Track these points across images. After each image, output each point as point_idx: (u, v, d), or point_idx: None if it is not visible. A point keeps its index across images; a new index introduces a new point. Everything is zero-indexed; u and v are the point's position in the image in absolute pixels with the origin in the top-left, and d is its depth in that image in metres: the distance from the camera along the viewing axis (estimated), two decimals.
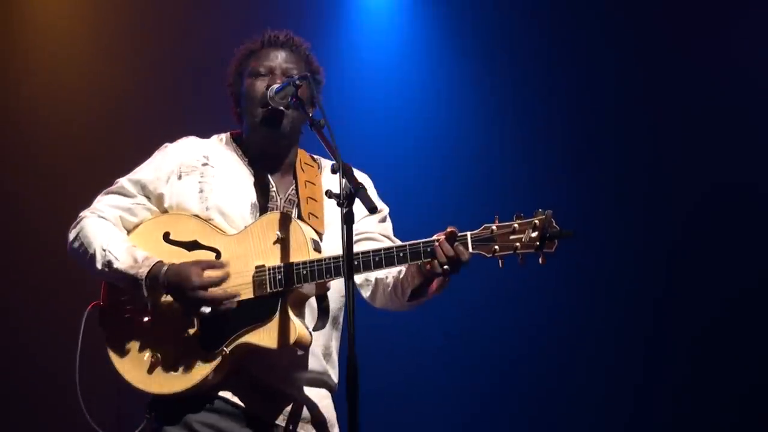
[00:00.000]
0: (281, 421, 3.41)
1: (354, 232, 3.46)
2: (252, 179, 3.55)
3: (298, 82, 3.42)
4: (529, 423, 6.06)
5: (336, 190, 3.10)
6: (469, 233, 3.27)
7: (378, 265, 3.30)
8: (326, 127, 3.24)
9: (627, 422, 6.01)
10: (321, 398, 3.51)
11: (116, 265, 3.36)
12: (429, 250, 3.26)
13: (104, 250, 3.38)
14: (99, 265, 3.38)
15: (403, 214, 3.94)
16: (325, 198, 3.32)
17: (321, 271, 3.29)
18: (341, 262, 3.21)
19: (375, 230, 3.65)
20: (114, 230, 3.46)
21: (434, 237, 3.27)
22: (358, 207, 3.12)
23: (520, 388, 6.05)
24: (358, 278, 3.62)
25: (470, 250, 3.25)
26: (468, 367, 6.10)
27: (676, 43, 6.19)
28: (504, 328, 6.07)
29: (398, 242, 3.46)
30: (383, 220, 3.71)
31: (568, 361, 6.05)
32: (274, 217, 3.39)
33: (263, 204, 3.51)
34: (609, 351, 6.04)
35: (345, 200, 3.07)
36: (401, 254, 3.29)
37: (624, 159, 6.20)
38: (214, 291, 3.29)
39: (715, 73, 6.13)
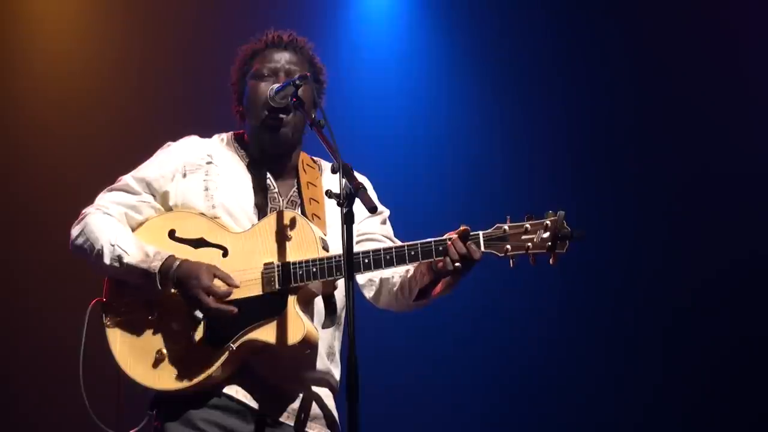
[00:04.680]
0: (285, 418, 3.41)
1: (356, 233, 3.52)
2: (254, 180, 3.56)
3: (298, 81, 3.43)
4: (530, 425, 6.09)
5: (336, 190, 3.11)
6: (481, 232, 3.30)
7: (389, 263, 3.31)
8: (326, 127, 3.26)
9: (637, 423, 6.04)
10: (325, 397, 3.51)
11: (127, 259, 3.36)
12: (441, 248, 3.28)
13: (113, 245, 3.38)
14: (107, 260, 3.38)
15: (405, 215, 3.95)
16: (326, 200, 3.34)
17: (331, 268, 3.30)
18: (352, 260, 3.17)
19: (377, 232, 3.67)
20: (120, 226, 3.46)
21: (446, 236, 3.30)
22: (358, 208, 3.13)
23: (522, 390, 6.06)
24: (362, 278, 3.64)
25: (482, 249, 3.28)
26: (470, 368, 6.11)
27: (681, 40, 6.20)
28: (507, 329, 6.07)
29: (399, 244, 3.46)
30: (384, 222, 3.73)
31: (570, 362, 6.06)
32: (282, 215, 3.39)
33: (265, 205, 3.52)
34: (616, 353, 6.07)
35: (345, 200, 3.08)
36: (413, 252, 3.31)
37: (630, 159, 6.21)
38: (213, 300, 3.28)
39: (720, 73, 6.15)
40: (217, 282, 3.32)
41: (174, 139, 3.67)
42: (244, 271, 3.35)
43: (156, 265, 3.33)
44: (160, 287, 3.33)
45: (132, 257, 3.37)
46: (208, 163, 3.57)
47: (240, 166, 3.60)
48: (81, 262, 3.51)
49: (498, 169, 6.24)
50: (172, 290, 3.35)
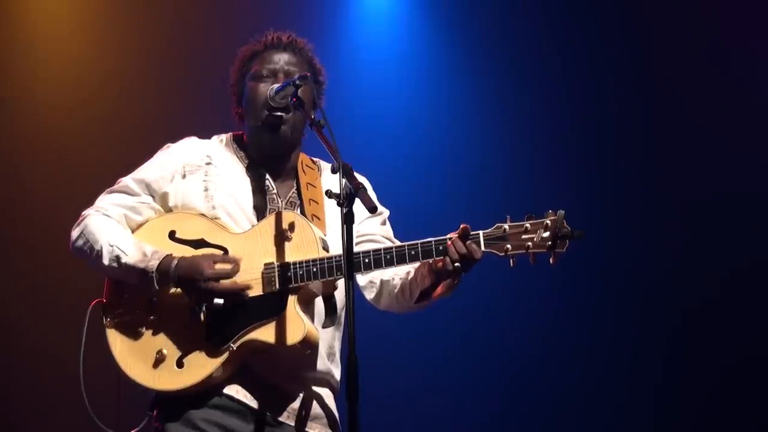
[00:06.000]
0: (286, 418, 3.42)
1: (356, 234, 3.52)
2: (252, 182, 3.56)
3: (298, 81, 3.43)
4: (530, 425, 6.09)
5: (336, 190, 3.12)
6: (481, 232, 3.30)
7: (389, 263, 3.32)
8: (326, 127, 3.26)
9: (638, 423, 6.04)
10: (325, 397, 3.52)
11: (125, 259, 3.36)
12: (441, 248, 3.29)
13: (111, 246, 3.39)
14: (106, 261, 3.39)
15: (405, 216, 3.96)
16: (326, 200, 3.35)
17: (331, 268, 3.31)
18: (352, 260, 3.17)
19: (377, 232, 3.67)
20: (119, 227, 3.47)
21: (447, 236, 3.31)
22: (358, 208, 3.14)
23: (522, 390, 6.06)
24: (362, 280, 3.65)
25: (483, 248, 3.28)
26: (470, 367, 6.11)
27: (680, 42, 6.20)
28: (507, 328, 6.07)
29: (399, 244, 3.46)
30: (384, 223, 3.73)
31: (571, 363, 6.06)
32: (282, 216, 3.40)
33: (264, 206, 3.52)
34: (617, 353, 6.05)
35: (345, 200, 3.08)
36: (413, 252, 3.31)
37: (631, 158, 6.21)
38: (225, 283, 3.30)
39: (718, 74, 6.15)
40: (219, 266, 3.32)
41: (173, 141, 3.67)
42: (245, 271, 3.36)
43: (153, 264, 3.34)
44: (157, 287, 3.33)
45: (130, 257, 3.37)
46: (208, 163, 3.57)
47: (239, 167, 3.60)
48: (81, 263, 3.51)
49: (498, 168, 6.23)
50: (173, 289, 3.35)
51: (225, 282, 3.31)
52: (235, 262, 3.34)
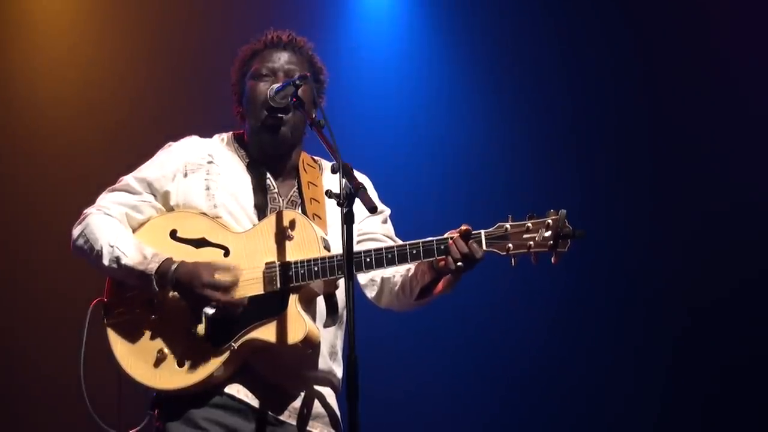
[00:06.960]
0: (287, 417, 3.42)
1: (357, 233, 3.53)
2: (253, 180, 3.56)
3: (298, 81, 3.43)
4: (531, 424, 6.09)
5: (336, 190, 3.12)
6: (483, 231, 3.31)
7: (391, 262, 3.32)
8: (326, 126, 3.26)
9: (640, 423, 6.04)
10: (327, 396, 3.52)
11: (124, 261, 3.36)
12: (442, 247, 3.29)
13: (112, 246, 3.38)
14: (106, 262, 3.38)
15: (406, 215, 3.96)
16: (327, 199, 3.35)
17: (332, 267, 3.31)
18: (352, 260, 3.15)
19: (379, 231, 3.67)
20: (120, 227, 3.46)
21: (447, 234, 3.31)
22: (359, 208, 3.13)
23: (523, 389, 6.05)
24: (363, 278, 3.65)
25: (484, 247, 3.29)
26: (471, 366, 6.10)
27: (682, 42, 6.20)
28: (509, 328, 6.07)
29: (401, 243, 3.46)
30: (385, 221, 3.73)
31: (572, 362, 6.05)
32: (283, 215, 3.40)
33: (265, 205, 3.52)
34: (618, 353, 6.05)
35: (345, 200, 3.08)
36: (414, 251, 3.31)
37: (632, 157, 6.20)
38: (220, 295, 3.30)
39: (720, 73, 6.14)
40: (218, 276, 3.32)
41: (175, 140, 3.67)
42: (246, 270, 3.36)
43: (153, 267, 3.33)
44: (156, 289, 3.33)
45: (130, 259, 3.37)
46: (209, 162, 3.57)
47: (240, 166, 3.60)
48: (82, 262, 3.51)
49: (499, 167, 6.23)
50: (171, 293, 3.35)
51: (220, 293, 3.30)
52: (235, 274, 3.34)
